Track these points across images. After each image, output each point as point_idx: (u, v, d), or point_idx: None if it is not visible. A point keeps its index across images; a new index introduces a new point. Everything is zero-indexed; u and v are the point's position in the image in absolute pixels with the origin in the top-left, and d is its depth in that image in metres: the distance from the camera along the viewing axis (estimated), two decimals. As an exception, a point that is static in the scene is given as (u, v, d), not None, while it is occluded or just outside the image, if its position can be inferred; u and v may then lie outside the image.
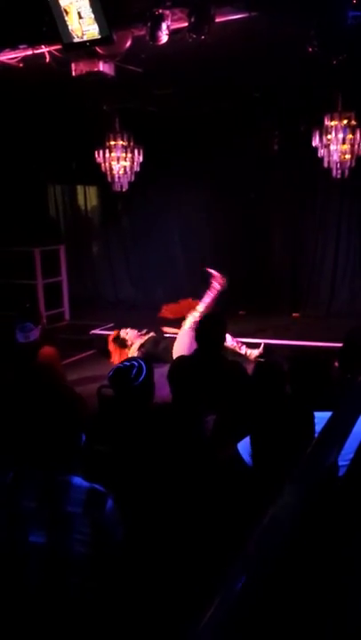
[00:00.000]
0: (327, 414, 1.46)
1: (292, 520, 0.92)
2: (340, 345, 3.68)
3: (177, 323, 8.34)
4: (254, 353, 7.04)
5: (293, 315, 9.44)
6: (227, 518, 2.24)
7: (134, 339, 7.33)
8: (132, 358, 3.09)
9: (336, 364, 3.39)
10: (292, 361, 2.95)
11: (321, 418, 2.12)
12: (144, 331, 7.48)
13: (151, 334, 7.39)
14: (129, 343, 7.29)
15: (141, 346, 7.21)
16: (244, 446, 2.53)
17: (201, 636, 0.72)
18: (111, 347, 7.45)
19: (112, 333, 7.61)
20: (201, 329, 4.09)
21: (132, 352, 7.14)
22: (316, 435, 2.03)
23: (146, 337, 7.35)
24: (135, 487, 2.51)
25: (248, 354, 7.09)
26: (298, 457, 1.13)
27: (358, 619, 1.04)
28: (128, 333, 7.37)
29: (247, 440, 2.53)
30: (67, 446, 2.19)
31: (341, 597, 1.06)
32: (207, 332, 4.04)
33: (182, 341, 6.64)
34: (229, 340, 6.73)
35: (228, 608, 0.75)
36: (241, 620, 0.76)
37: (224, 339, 4.24)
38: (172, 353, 6.43)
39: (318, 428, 2.06)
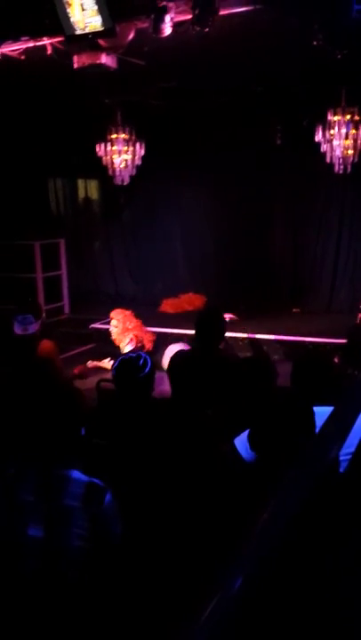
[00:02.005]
0: (327, 409, 1.44)
1: (291, 516, 0.91)
2: (341, 340, 3.67)
3: (177, 317, 8.35)
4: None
5: (294, 310, 9.43)
6: (224, 513, 2.23)
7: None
8: (137, 350, 3.10)
9: (336, 359, 3.39)
10: (295, 358, 2.95)
11: (321, 413, 2.10)
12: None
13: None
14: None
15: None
16: (241, 441, 2.52)
17: (198, 635, 0.71)
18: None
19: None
20: (201, 323, 4.07)
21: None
22: (316, 430, 2.02)
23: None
24: (134, 481, 2.50)
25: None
26: (298, 452, 1.12)
27: (357, 617, 1.03)
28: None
29: (244, 435, 2.51)
30: (66, 440, 2.19)
31: (340, 596, 1.05)
32: (207, 326, 4.02)
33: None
34: None
35: (225, 606, 0.74)
36: (238, 618, 0.75)
37: (223, 333, 4.23)
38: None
39: (318, 422, 2.05)
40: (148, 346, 7.02)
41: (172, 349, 6.55)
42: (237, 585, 0.75)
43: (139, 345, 6.88)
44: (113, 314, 7.00)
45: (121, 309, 7.14)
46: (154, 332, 7.43)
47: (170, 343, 6.58)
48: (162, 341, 7.30)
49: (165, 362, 6.43)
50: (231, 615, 0.74)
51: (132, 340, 6.88)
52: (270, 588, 0.89)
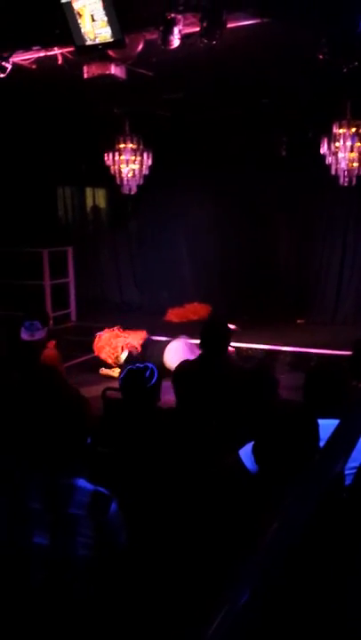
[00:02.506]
0: (332, 422, 1.45)
1: (297, 530, 0.92)
2: (346, 352, 3.67)
3: (182, 327, 8.37)
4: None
5: (298, 320, 9.42)
6: (229, 523, 2.23)
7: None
8: (136, 356, 3.15)
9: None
10: (300, 369, 2.96)
11: (326, 426, 2.11)
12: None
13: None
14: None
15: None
16: (245, 453, 2.52)
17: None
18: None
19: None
20: (206, 334, 4.08)
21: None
22: (320, 442, 2.03)
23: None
24: (139, 490, 2.51)
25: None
26: (303, 465, 1.13)
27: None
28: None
29: (249, 446, 2.52)
30: (72, 448, 2.19)
31: (347, 606, 1.05)
32: (212, 337, 4.03)
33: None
34: None
35: (233, 620, 0.75)
36: (246, 632, 0.75)
37: (228, 344, 4.24)
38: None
39: (324, 435, 2.06)
40: (138, 347, 7.24)
41: (174, 345, 6.73)
42: (244, 598, 0.76)
43: (133, 349, 7.11)
44: (96, 351, 7.26)
45: (96, 342, 7.36)
46: (141, 331, 7.59)
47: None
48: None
49: (167, 357, 6.61)
50: (238, 628, 0.75)
51: (122, 349, 7.12)
52: (278, 600, 0.90)
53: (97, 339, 7.57)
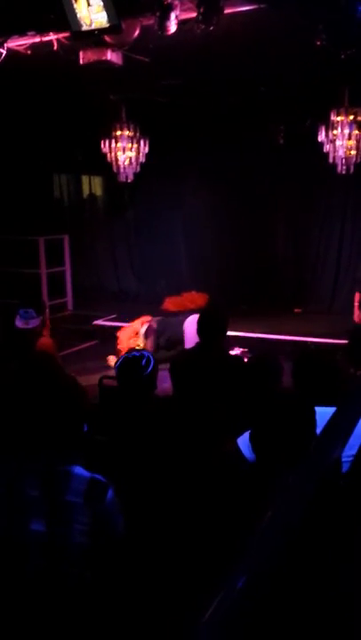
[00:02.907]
0: (329, 409, 1.45)
1: (295, 516, 0.92)
2: (343, 341, 3.68)
3: (179, 316, 8.39)
4: None
5: (295, 310, 9.43)
6: (226, 511, 2.24)
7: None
8: (140, 350, 3.15)
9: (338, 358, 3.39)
10: (296, 356, 2.95)
11: (323, 413, 2.11)
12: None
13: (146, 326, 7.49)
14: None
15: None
16: (243, 441, 2.53)
17: (202, 633, 0.72)
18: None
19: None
20: (202, 322, 4.08)
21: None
22: (317, 430, 2.03)
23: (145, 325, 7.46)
24: (135, 478, 2.51)
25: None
26: (301, 452, 1.13)
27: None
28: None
29: (247, 435, 2.52)
30: (69, 436, 2.20)
31: (344, 594, 1.06)
32: (209, 325, 4.03)
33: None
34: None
35: (229, 605, 0.75)
36: (242, 617, 0.76)
37: (225, 332, 4.23)
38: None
39: (320, 422, 2.06)
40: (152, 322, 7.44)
41: (194, 318, 6.77)
42: (240, 584, 0.77)
43: (150, 322, 7.27)
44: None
45: (128, 338, 7.42)
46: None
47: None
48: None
49: (187, 324, 6.68)
50: (234, 613, 0.75)
51: (142, 324, 7.27)
52: (275, 587, 0.90)
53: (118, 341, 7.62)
